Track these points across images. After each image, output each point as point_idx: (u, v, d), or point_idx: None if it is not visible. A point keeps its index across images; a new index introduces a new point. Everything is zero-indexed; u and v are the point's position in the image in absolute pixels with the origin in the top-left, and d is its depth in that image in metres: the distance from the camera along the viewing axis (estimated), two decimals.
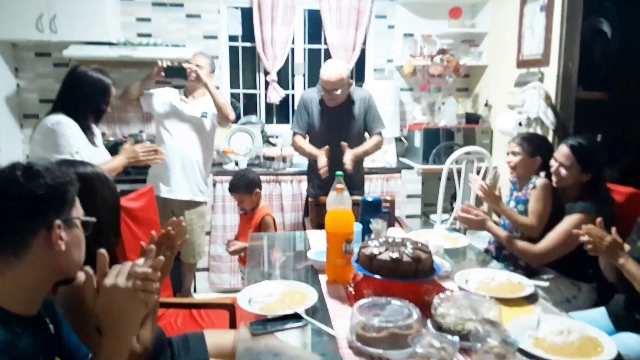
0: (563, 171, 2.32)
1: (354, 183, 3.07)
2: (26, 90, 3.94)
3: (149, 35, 3.98)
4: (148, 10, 4.00)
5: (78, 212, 1.15)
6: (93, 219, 1.17)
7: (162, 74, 3.22)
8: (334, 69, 2.98)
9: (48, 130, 2.35)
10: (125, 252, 2.01)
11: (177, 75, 3.27)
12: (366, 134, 3.20)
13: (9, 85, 3.84)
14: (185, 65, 3.21)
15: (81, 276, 1.12)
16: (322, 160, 2.96)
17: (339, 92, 2.98)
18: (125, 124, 4.07)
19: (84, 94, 2.43)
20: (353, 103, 3.11)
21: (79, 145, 2.36)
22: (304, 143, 3.15)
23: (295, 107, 3.28)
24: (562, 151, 2.33)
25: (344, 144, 2.96)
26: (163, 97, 3.33)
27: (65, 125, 2.35)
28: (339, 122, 3.10)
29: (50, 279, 1.11)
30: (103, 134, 3.90)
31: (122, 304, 1.10)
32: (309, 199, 3.11)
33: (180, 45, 3.89)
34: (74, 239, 1.12)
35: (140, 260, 1.15)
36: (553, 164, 2.37)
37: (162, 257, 1.17)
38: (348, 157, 2.95)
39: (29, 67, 3.93)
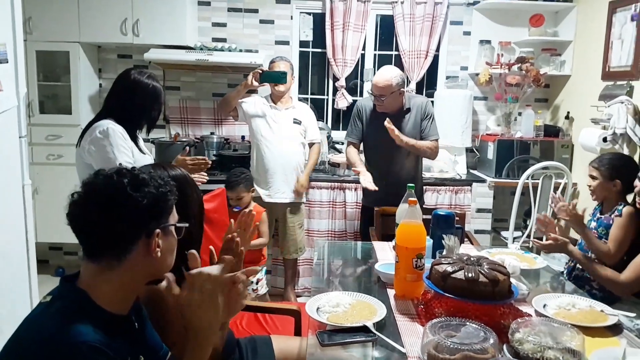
0: None
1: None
2: (107, 90, 4.11)
3: (224, 40, 4.08)
4: (224, 15, 4.11)
5: (174, 218, 1.18)
6: (186, 225, 1.20)
7: (256, 82, 3.21)
8: (384, 75, 2.92)
9: (97, 139, 2.22)
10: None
11: (272, 80, 3.29)
12: None
13: (93, 85, 4.07)
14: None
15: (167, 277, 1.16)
16: (364, 179, 2.95)
17: (385, 98, 2.92)
18: (198, 126, 4.19)
19: (139, 102, 2.31)
20: (409, 110, 3.04)
21: (125, 158, 2.21)
22: (351, 153, 3.13)
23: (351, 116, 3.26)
24: None
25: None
26: (255, 105, 3.44)
27: (115, 133, 2.22)
28: None
29: (143, 281, 1.15)
30: (177, 134, 4.07)
31: (204, 309, 1.13)
32: (375, 209, 3.06)
33: (253, 51, 3.97)
34: (169, 245, 1.16)
35: (216, 268, 1.17)
36: (638, 183, 2.24)
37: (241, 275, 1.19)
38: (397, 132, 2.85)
39: (111, 68, 4.14)
